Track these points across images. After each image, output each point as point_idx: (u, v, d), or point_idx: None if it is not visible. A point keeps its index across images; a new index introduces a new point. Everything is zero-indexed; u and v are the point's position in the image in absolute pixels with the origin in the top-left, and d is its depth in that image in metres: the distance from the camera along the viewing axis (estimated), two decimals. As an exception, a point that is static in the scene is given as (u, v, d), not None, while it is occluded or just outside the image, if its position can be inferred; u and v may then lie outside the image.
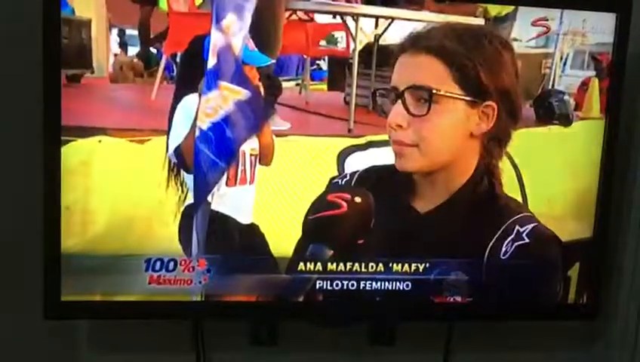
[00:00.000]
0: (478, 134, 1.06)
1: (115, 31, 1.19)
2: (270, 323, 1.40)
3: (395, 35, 1.19)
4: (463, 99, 1.02)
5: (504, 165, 1.27)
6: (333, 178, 1.19)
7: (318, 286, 1.20)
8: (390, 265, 1.18)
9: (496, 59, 1.03)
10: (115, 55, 1.20)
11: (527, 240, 1.05)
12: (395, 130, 1.05)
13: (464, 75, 1.02)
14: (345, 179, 1.16)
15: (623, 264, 1.44)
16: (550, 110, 1.33)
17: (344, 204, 0.93)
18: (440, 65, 1.02)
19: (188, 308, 1.26)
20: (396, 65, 1.06)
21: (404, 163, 1.06)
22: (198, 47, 1.15)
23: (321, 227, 0.92)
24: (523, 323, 1.41)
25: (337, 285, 1.21)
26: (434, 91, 1.01)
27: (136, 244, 1.21)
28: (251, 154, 1.23)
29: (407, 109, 1.03)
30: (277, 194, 1.23)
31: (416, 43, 1.04)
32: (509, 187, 1.28)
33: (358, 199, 0.94)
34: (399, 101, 1.04)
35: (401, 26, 1.22)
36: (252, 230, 1.24)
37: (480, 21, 1.26)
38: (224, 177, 1.21)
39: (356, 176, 1.16)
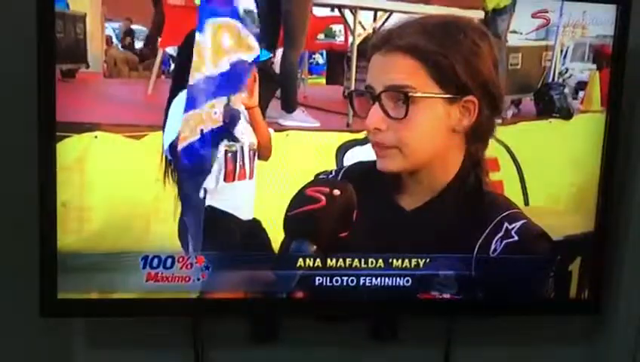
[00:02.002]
0: (460, 129, 1.04)
1: (109, 25, 1.18)
2: (269, 319, 1.40)
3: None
4: (441, 97, 1.01)
5: (503, 159, 1.26)
6: (319, 173, 1.17)
7: (317, 282, 1.20)
8: (377, 261, 1.18)
9: (473, 52, 1.00)
10: (107, 49, 1.19)
11: (516, 238, 1.04)
12: (374, 134, 1.03)
13: (440, 72, 1.00)
14: (331, 176, 1.15)
15: (625, 258, 1.44)
16: (551, 103, 1.32)
17: (322, 197, 0.91)
18: (414, 63, 1.00)
19: (186, 305, 1.25)
20: (370, 64, 1.04)
21: (386, 164, 1.05)
22: (193, 41, 1.14)
23: (301, 223, 0.91)
24: (525, 318, 1.40)
25: (337, 281, 1.20)
26: (410, 93, 0.99)
27: (133, 241, 1.20)
28: (250, 149, 1.22)
29: (385, 112, 1.02)
30: (278, 188, 1.22)
31: (389, 41, 1.01)
32: (509, 182, 1.27)
33: (336, 192, 0.92)
34: (376, 104, 1.02)
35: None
36: (253, 226, 1.23)
37: (479, 14, 1.25)
38: (222, 173, 1.20)
39: (342, 171, 1.14)
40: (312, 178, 1.17)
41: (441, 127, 1.03)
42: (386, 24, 1.06)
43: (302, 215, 0.91)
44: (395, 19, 1.06)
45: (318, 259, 1.17)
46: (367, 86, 1.04)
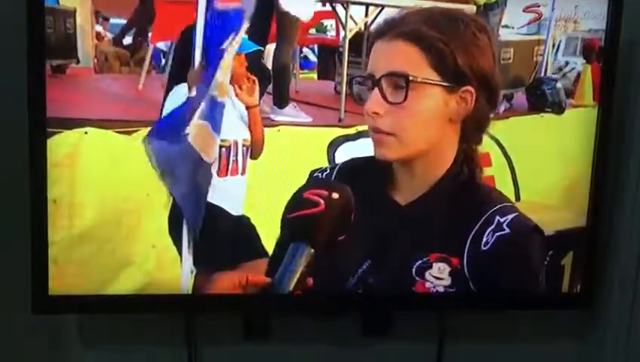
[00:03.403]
0: (457, 120, 1.04)
1: (99, 20, 1.18)
2: (262, 315, 1.39)
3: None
4: (440, 85, 1.01)
5: (494, 154, 1.26)
6: (314, 171, 1.16)
7: (310, 278, 1.19)
8: (374, 257, 1.17)
9: (473, 43, 1.01)
10: (97, 45, 1.18)
11: (507, 231, 1.04)
12: (373, 118, 1.03)
13: (441, 60, 1.00)
14: (325, 173, 1.15)
15: (617, 253, 1.44)
16: (543, 98, 1.33)
17: (322, 201, 0.90)
18: (416, 50, 1.00)
19: (178, 301, 1.25)
20: (372, 51, 1.04)
21: (383, 152, 1.04)
22: (189, 36, 1.14)
23: (300, 226, 0.90)
24: (517, 312, 1.40)
25: (326, 276, 1.20)
26: (411, 78, 1.00)
27: (124, 237, 1.20)
28: (243, 145, 1.22)
29: (384, 97, 1.02)
30: (268, 185, 1.22)
31: (391, 29, 1.02)
32: (501, 176, 1.27)
33: (335, 195, 0.91)
34: (376, 88, 1.02)
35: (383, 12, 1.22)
36: (243, 222, 1.23)
37: (471, 8, 1.25)
38: (215, 168, 1.20)
39: (336, 169, 1.14)
40: (307, 175, 1.17)
41: (438, 115, 1.03)
42: (389, 13, 1.06)
43: (301, 218, 0.90)
44: (398, 10, 1.06)
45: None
46: (369, 73, 1.04)
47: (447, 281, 1.12)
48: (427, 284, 1.12)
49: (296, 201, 0.92)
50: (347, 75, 1.24)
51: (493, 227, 1.04)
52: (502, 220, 1.04)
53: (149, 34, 1.19)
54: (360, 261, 1.12)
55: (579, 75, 1.33)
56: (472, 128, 1.05)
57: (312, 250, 0.89)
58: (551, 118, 1.33)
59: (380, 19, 1.06)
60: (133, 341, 1.37)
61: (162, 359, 1.39)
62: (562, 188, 1.33)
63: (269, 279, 0.91)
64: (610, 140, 1.33)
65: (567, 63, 1.33)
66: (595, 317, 1.50)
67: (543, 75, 1.33)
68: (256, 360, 1.43)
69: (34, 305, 1.19)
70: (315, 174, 1.15)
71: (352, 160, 1.15)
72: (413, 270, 1.10)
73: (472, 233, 1.06)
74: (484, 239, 1.05)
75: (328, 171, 1.14)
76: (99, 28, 1.18)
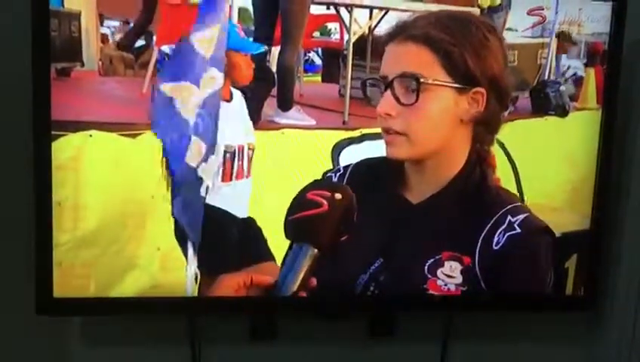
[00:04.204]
0: (468, 121, 1.05)
1: (104, 23, 1.18)
2: (267, 317, 1.39)
3: (385, 25, 1.19)
4: (451, 87, 1.02)
5: (499, 156, 1.26)
6: (327, 172, 1.18)
7: (316, 279, 1.19)
8: (387, 254, 1.18)
9: (484, 45, 1.02)
10: (102, 48, 1.19)
11: (518, 231, 1.05)
12: (385, 119, 1.04)
13: (451, 62, 1.01)
14: (339, 173, 1.16)
15: (621, 255, 1.44)
16: (546, 101, 1.33)
17: (325, 202, 0.90)
18: (427, 53, 1.02)
19: (183, 303, 1.25)
20: (384, 54, 1.06)
21: (393, 151, 1.06)
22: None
23: (303, 227, 0.90)
24: (522, 313, 1.40)
25: (332, 276, 1.20)
26: (422, 80, 1.01)
27: (129, 239, 1.20)
28: (248, 148, 1.22)
29: (396, 98, 1.03)
30: (273, 187, 1.22)
31: (402, 32, 1.03)
32: (505, 179, 1.27)
33: (338, 195, 0.91)
34: (388, 90, 1.03)
35: (389, 16, 1.23)
36: (248, 224, 1.23)
37: (475, 11, 1.25)
38: (220, 170, 1.20)
39: (350, 169, 1.15)
40: (312, 177, 1.18)
41: (449, 116, 1.04)
42: (400, 17, 1.07)
43: (303, 219, 0.90)
44: (409, 13, 1.08)
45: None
46: (381, 75, 1.05)
47: (459, 280, 1.12)
48: (439, 282, 1.12)
49: (299, 202, 0.92)
50: (351, 78, 1.24)
51: (504, 227, 1.05)
52: (513, 220, 1.05)
53: (154, 37, 1.19)
54: (372, 259, 1.12)
55: (582, 78, 1.34)
56: (483, 129, 1.06)
57: (316, 251, 0.89)
58: (555, 121, 1.33)
59: (391, 23, 1.07)
60: (137, 343, 1.37)
61: (167, 361, 1.39)
62: (566, 190, 1.33)
63: (273, 279, 0.92)
64: (614, 143, 1.33)
65: (570, 66, 1.34)
66: (598, 320, 1.50)
67: (546, 77, 1.33)
68: (261, 362, 1.43)
69: (38, 307, 1.19)
70: (329, 175, 1.17)
71: (365, 160, 1.16)
72: (426, 268, 1.11)
73: (484, 232, 1.06)
74: (496, 239, 1.06)
75: (342, 171, 1.16)
76: (105, 30, 1.18)
